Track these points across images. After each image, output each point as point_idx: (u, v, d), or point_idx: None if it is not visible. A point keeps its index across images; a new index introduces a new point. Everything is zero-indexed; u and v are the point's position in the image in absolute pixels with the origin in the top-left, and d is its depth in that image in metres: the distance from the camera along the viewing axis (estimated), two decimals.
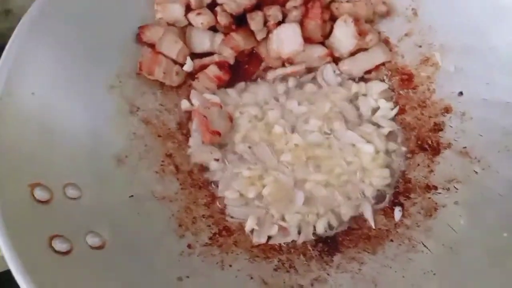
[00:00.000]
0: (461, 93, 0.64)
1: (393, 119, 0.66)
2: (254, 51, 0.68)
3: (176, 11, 0.65)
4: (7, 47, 0.52)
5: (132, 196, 0.56)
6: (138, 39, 0.64)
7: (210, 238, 0.56)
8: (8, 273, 0.44)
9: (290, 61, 0.67)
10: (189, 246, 0.54)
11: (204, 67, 0.66)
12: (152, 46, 0.64)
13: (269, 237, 0.58)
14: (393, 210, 0.59)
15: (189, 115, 0.64)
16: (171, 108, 0.64)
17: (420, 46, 0.67)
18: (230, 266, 0.54)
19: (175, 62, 0.65)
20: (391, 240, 0.57)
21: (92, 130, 0.56)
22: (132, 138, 0.60)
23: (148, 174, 0.59)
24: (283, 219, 0.58)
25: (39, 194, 0.49)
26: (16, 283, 0.42)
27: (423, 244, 0.55)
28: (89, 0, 0.60)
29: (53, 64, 0.55)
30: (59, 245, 0.46)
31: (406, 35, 0.68)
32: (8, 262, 0.42)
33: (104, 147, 0.57)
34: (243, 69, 0.68)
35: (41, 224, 0.47)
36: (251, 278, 0.53)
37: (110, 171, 0.56)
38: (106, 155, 0.57)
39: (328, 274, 0.54)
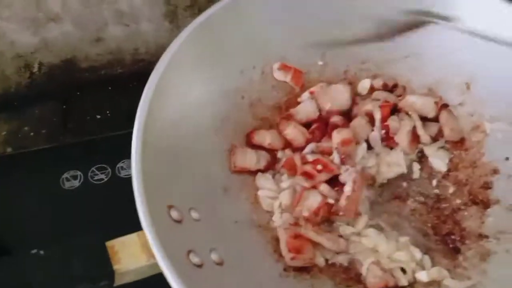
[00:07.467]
0: (507, 158, 0.75)
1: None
2: None
3: None
4: None
5: (236, 221, 0.65)
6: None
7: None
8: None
9: None
10: (284, 269, 0.64)
11: None
12: None
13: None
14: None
15: None
16: None
17: (472, 115, 0.80)
18: None
19: None
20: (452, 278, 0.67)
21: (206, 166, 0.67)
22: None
23: (246, 205, 0.69)
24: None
25: (174, 214, 0.58)
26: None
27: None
28: None
29: None
30: (194, 259, 0.55)
31: (459, 104, 0.81)
32: (162, 268, 0.51)
33: (214, 180, 0.67)
34: None
35: (179, 240, 0.56)
36: None
37: (219, 199, 0.66)
38: (216, 186, 0.67)
39: None
